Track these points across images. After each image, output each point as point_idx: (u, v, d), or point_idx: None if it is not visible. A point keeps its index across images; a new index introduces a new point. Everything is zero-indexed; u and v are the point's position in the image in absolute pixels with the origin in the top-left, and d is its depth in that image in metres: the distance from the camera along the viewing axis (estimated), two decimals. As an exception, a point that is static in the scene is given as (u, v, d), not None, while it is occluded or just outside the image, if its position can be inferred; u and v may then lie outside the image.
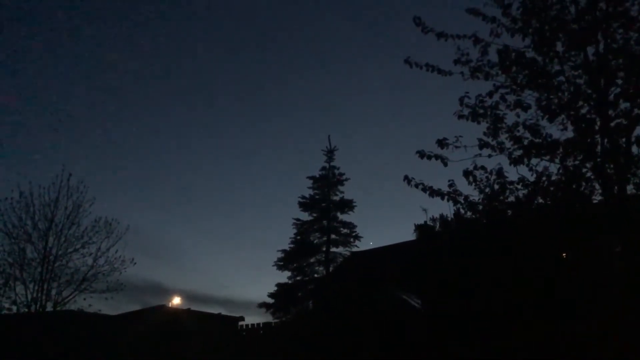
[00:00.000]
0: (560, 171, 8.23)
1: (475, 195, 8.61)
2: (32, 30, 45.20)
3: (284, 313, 27.01)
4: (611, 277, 7.84)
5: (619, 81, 8.09)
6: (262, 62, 50.11)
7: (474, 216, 9.21)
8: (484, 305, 10.16)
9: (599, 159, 7.98)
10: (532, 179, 8.40)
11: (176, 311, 21.08)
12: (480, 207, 8.72)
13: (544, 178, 8.33)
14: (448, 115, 8.75)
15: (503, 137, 8.51)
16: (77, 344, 16.73)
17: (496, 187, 8.52)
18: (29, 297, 16.06)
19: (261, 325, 18.87)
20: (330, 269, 27.61)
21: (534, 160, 8.38)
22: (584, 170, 8.09)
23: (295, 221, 28.66)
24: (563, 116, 8.32)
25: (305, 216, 28.76)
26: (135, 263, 17.08)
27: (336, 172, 29.04)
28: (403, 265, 16.78)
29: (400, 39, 38.48)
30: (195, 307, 22.26)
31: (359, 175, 46.52)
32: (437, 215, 13.92)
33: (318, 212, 28.63)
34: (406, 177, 8.49)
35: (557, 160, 8.25)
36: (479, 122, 8.61)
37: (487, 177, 8.54)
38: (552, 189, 8.28)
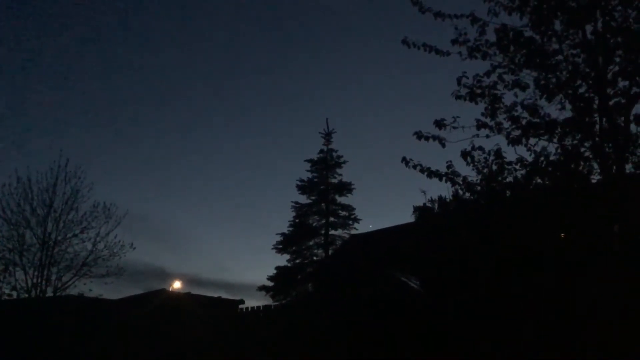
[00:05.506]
0: (559, 151, 8.21)
1: (473, 176, 8.59)
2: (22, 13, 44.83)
3: (283, 296, 27.12)
4: (609, 257, 7.84)
5: (618, 59, 8.04)
6: (260, 44, 49.76)
7: (472, 197, 9.19)
8: (483, 285, 10.19)
9: (597, 139, 7.95)
10: (530, 159, 8.38)
11: (177, 295, 21.15)
12: (479, 188, 8.69)
13: (542, 158, 8.29)
14: (446, 96, 8.69)
15: (501, 117, 8.48)
16: (78, 328, 16.81)
17: (494, 167, 8.48)
18: (29, 282, 16.11)
19: (261, 308, 18.97)
20: (330, 251, 27.68)
21: (532, 140, 8.37)
22: (583, 149, 8.07)
23: (293, 204, 28.69)
24: (561, 95, 8.29)
25: (304, 199, 28.80)
26: (134, 248, 17.17)
27: (334, 154, 29.01)
28: (402, 247, 16.76)
29: (397, 19, 38.17)
30: (195, 291, 22.35)
31: (357, 158, 46.42)
32: (435, 197, 13.88)
33: (317, 195, 28.63)
34: (404, 159, 8.47)
35: (555, 140, 8.23)
36: (476, 103, 8.56)
37: (485, 157, 8.49)
38: (550, 169, 8.25)
